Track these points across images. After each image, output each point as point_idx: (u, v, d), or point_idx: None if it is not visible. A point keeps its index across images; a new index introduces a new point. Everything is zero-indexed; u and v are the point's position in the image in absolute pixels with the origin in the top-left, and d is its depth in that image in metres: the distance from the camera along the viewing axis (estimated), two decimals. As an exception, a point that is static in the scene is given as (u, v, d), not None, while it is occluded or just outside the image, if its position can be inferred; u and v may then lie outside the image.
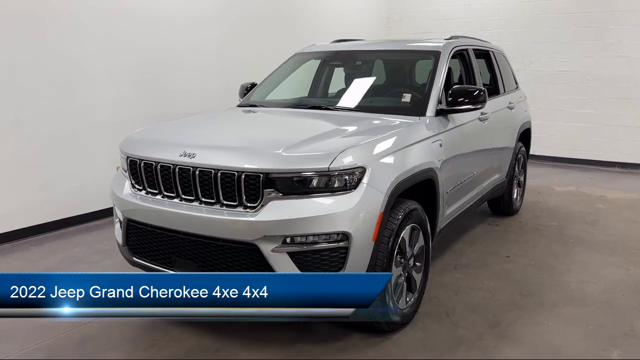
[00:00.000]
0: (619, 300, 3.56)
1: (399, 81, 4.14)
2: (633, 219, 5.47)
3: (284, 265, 2.59)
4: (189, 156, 2.76)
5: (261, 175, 2.58)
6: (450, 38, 4.44)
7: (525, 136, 5.67)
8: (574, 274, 4.00)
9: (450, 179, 3.66)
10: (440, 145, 3.43)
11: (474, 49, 4.65)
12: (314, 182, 2.60)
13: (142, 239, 3.01)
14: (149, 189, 2.95)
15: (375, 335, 3.04)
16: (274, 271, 2.60)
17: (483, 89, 3.71)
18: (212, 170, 2.69)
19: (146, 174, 2.94)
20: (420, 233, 3.22)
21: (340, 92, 4.11)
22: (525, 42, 8.73)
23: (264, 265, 2.61)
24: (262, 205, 2.60)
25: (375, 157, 2.78)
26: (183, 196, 2.80)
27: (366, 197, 2.65)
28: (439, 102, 3.64)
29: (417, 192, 3.31)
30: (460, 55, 4.44)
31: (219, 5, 6.36)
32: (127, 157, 3.05)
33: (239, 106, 4.17)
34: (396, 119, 3.42)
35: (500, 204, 5.39)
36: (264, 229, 2.55)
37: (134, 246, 3.09)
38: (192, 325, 3.12)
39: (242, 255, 2.65)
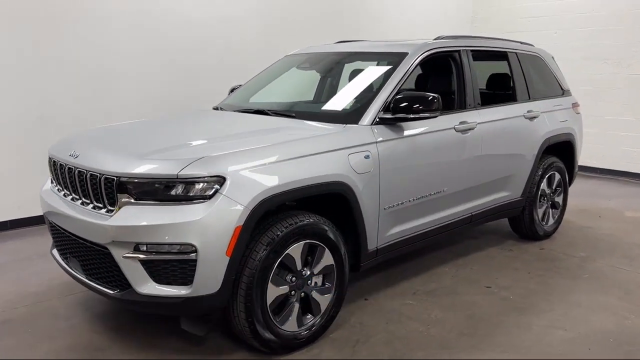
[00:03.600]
0: (576, 355, 2.92)
1: (358, 86, 3.82)
2: (693, 257, 4.45)
3: (135, 272, 2.55)
4: (74, 156, 2.85)
5: (115, 179, 2.58)
6: (437, 38, 4.01)
7: (561, 150, 4.91)
8: (549, 316, 3.37)
9: (391, 195, 3.31)
10: (367, 157, 3.11)
11: (474, 51, 4.14)
12: (164, 189, 2.52)
13: (53, 233, 3.18)
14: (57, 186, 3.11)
15: (262, 354, 2.86)
16: (126, 278, 2.57)
17: (436, 95, 3.29)
18: (84, 172, 2.75)
19: (52, 171, 3.11)
20: (327, 251, 2.96)
21: (300, 97, 3.93)
22: (622, 41, 7.55)
23: (117, 271, 2.60)
24: (118, 210, 2.59)
25: (242, 167, 2.60)
26: (73, 195, 2.90)
27: (220, 208, 2.50)
28: (387, 109, 3.31)
29: (328, 206, 3.06)
30: (449, 57, 3.99)
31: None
32: (49, 154, 3.24)
33: (214, 108, 4.18)
34: (320, 127, 3.18)
35: (520, 226, 4.74)
36: (112, 233, 2.53)
37: (53, 240, 3.27)
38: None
39: (102, 259, 2.67)
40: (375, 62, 3.90)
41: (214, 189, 2.52)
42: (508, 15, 8.85)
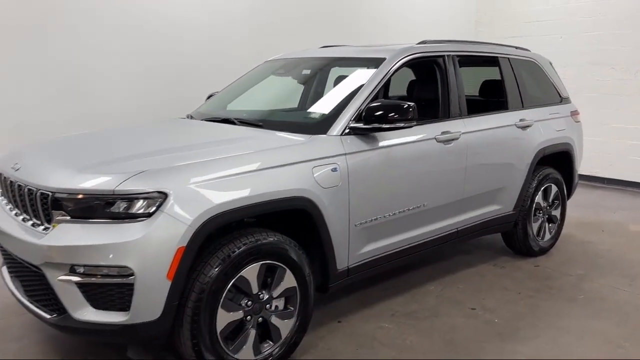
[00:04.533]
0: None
1: (331, 94, 3.59)
2: (700, 276, 4.14)
3: (72, 296, 2.34)
4: (15, 169, 2.67)
5: (49, 195, 2.38)
6: (420, 43, 3.79)
7: (558, 160, 4.63)
8: (534, 343, 3.10)
9: (363, 210, 3.08)
10: (334, 170, 2.88)
11: (461, 56, 3.90)
12: (101, 206, 2.32)
13: (1, 249, 2.99)
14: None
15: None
16: (61, 302, 2.37)
17: (411, 104, 3.06)
18: (23, 186, 2.56)
19: (1, 184, 2.92)
20: (288, 272, 2.73)
21: (276, 105, 3.72)
22: (630, 46, 7.23)
23: (53, 294, 2.40)
24: (53, 228, 2.39)
25: (187, 181, 2.39)
26: (16, 210, 2.71)
27: (160, 227, 2.29)
28: (359, 119, 3.08)
29: (294, 222, 2.84)
30: (433, 63, 3.75)
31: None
32: None
33: (187, 116, 3.98)
34: (284, 138, 2.96)
35: (513, 242, 4.46)
36: (46, 254, 2.34)
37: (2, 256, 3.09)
38: None
39: (38, 281, 2.47)
40: (354, 68, 3.67)
41: (155, 206, 2.31)
42: (512, 19, 8.57)
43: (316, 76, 4.17)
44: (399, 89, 4.82)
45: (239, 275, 2.53)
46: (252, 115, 3.49)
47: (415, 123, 3.11)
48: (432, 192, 3.52)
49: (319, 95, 4.00)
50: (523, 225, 4.33)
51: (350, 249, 3.08)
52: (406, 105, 3.06)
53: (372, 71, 3.35)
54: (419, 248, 3.56)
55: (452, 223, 3.76)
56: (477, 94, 4.71)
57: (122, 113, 5.26)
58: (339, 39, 6.74)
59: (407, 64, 3.56)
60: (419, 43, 3.83)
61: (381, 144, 3.16)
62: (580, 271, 4.23)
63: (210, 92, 4.31)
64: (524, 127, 4.18)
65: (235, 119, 3.33)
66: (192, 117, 3.74)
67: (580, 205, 6.31)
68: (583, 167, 7.90)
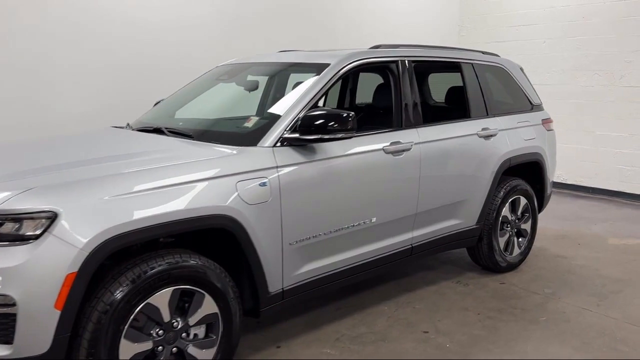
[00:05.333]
0: None
1: (270, 101, 3.38)
2: (674, 296, 3.89)
3: (-46, 326, 2.12)
4: None
5: None
6: (373, 47, 3.57)
7: (528, 171, 4.39)
8: (484, 372, 2.87)
9: (299, 228, 2.85)
10: (263, 185, 2.65)
11: (418, 61, 3.67)
12: (-16, 228, 2.09)
13: None
14: None
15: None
16: (-59, 331, 2.14)
17: (351, 113, 2.84)
18: None
19: None
20: (207, 298, 2.49)
21: (215, 113, 3.49)
22: (614, 50, 7.00)
23: None
24: None
25: (82, 199, 2.17)
26: None
27: (47, 251, 2.06)
28: (295, 129, 2.85)
29: (214, 242, 2.61)
30: (386, 69, 3.53)
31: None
32: None
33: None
34: (208, 150, 2.73)
35: (478, 257, 4.22)
36: None
37: None
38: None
39: None
40: (302, 74, 3.44)
41: (42, 228, 2.08)
42: (496, 24, 8.35)
43: (273, 83, 3.95)
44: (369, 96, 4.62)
45: (145, 302, 2.30)
46: (187, 125, 3.27)
47: (354, 133, 2.89)
48: (381, 207, 3.29)
49: (274, 103, 3.76)
50: (488, 240, 4.10)
51: (285, 270, 2.85)
52: (345, 114, 2.85)
53: (315, 78, 3.12)
54: (368, 266, 3.32)
55: (406, 239, 3.52)
56: (443, 102, 4.50)
57: (76, 119, 4.99)
58: (312, 41, 6.56)
59: (354, 70, 3.35)
60: (371, 47, 3.61)
61: (320, 156, 2.93)
62: (547, 290, 3.98)
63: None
64: (487, 137, 3.95)
65: (166, 128, 3.11)
66: (128, 126, 3.51)
67: (560, 217, 6.07)
68: (567, 176, 7.74)
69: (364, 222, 3.19)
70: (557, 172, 7.63)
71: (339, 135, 2.84)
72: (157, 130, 3.15)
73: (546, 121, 4.62)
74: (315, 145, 2.92)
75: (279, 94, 3.69)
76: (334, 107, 5.01)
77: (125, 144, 2.98)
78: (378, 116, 3.82)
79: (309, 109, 2.95)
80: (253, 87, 3.63)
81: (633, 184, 6.96)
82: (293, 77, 3.74)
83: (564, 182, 7.64)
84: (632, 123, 6.93)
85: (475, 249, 4.17)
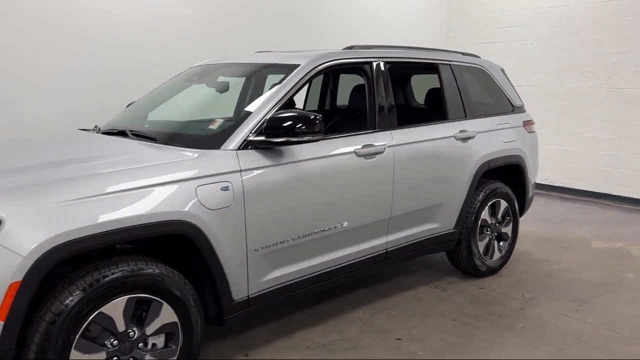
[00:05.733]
0: None
1: (238, 103, 3.30)
2: (654, 301, 3.83)
3: None
4: None
5: None
6: (346, 48, 3.50)
7: (508, 174, 4.33)
8: (455, 381, 2.79)
9: (265, 233, 2.77)
10: (225, 189, 2.57)
11: (393, 62, 3.60)
12: None
13: None
14: None
15: None
16: None
17: (318, 115, 2.77)
18: None
19: None
20: (165, 306, 2.41)
21: (186, 115, 3.41)
22: (601, 52, 6.95)
23: None
24: None
25: (28, 205, 2.08)
26: None
27: (-11, 259, 1.98)
28: (261, 131, 2.77)
29: (176, 248, 2.54)
30: (360, 70, 3.46)
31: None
32: None
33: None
34: (173, 154, 2.65)
35: (457, 261, 4.15)
36: None
37: None
38: None
39: None
40: (273, 75, 3.37)
41: (-14, 234, 2.00)
42: (483, 25, 8.29)
43: (251, 84, 3.87)
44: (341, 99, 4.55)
45: (98, 312, 2.22)
46: (153, 127, 3.18)
47: (321, 136, 2.82)
48: (353, 211, 3.21)
49: (222, 105, 3.69)
50: (467, 244, 4.03)
51: (251, 277, 2.77)
52: (312, 117, 2.77)
53: (282, 80, 3.05)
54: (340, 272, 3.25)
55: (380, 244, 3.45)
56: (423, 104, 4.44)
57: (52, 120, 4.87)
58: (299, 43, 6.47)
59: (326, 72, 3.27)
60: (345, 48, 3.54)
61: (288, 159, 2.85)
62: (527, 295, 3.91)
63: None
64: (465, 139, 3.88)
65: (130, 131, 3.03)
66: (96, 128, 3.42)
67: (545, 219, 6.01)
68: (554, 178, 7.68)
69: (334, 227, 3.12)
70: (544, 174, 7.63)
71: (306, 138, 2.77)
72: (122, 133, 3.07)
73: (527, 123, 4.55)
74: (282, 148, 2.85)
75: (256, 95, 3.61)
76: (315, 109, 4.95)
77: (86, 148, 2.89)
78: (353, 118, 3.75)
79: (277, 111, 2.88)
80: (224, 88, 3.54)
81: (619, 185, 6.90)
82: (271, 78, 3.66)
83: (551, 184, 7.59)
84: (619, 125, 6.88)
85: (454, 253, 4.10)
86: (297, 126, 2.74)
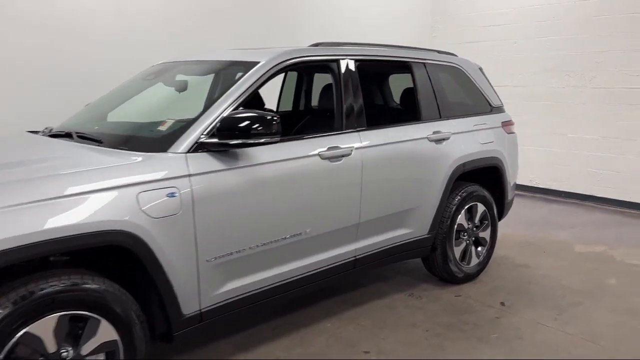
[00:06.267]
0: None
1: (192, 103, 3.10)
2: (634, 308, 3.67)
3: None
4: None
5: None
6: (313, 45, 3.33)
7: (486, 176, 4.17)
8: (421, 399, 2.62)
9: (219, 242, 2.58)
10: (171, 196, 2.38)
11: (362, 61, 3.43)
12: None
13: None
14: None
15: None
16: None
17: (275, 116, 2.59)
18: None
19: None
20: (104, 323, 2.22)
21: (143, 116, 3.22)
22: (585, 51, 6.82)
23: None
24: None
25: None
26: None
27: None
28: (214, 133, 2.59)
29: (114, 261, 2.35)
30: (327, 69, 3.29)
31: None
32: None
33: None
34: (115, 157, 2.46)
35: (433, 268, 3.99)
36: None
37: None
38: None
39: None
40: (233, 73, 3.18)
41: None
42: (467, 24, 8.14)
43: (219, 83, 3.66)
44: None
45: (23, 331, 2.02)
46: (102, 129, 2.99)
47: (278, 137, 2.64)
48: (317, 217, 3.03)
49: (175, 105, 3.47)
50: (442, 250, 3.86)
51: (203, 289, 2.58)
52: (269, 117, 2.59)
53: (239, 78, 2.86)
54: (305, 282, 3.07)
55: (348, 251, 3.27)
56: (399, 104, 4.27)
57: (8, 122, 4.65)
58: (277, 43, 6.29)
59: (288, 69, 3.10)
60: (311, 45, 3.37)
61: (244, 162, 2.67)
62: (504, 302, 3.75)
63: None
64: (439, 140, 3.72)
65: (76, 133, 2.83)
66: (46, 130, 3.22)
67: (528, 222, 5.87)
68: (539, 180, 7.55)
69: (297, 234, 2.94)
70: (529, 175, 7.50)
71: (263, 140, 2.59)
72: (68, 135, 2.87)
73: (506, 124, 4.39)
74: (238, 151, 2.66)
75: (213, 95, 3.42)
76: (289, 109, 4.77)
77: (21, 152, 2.69)
78: (323, 119, 3.58)
79: (232, 111, 2.69)
80: (183, 87, 3.35)
81: (604, 187, 6.77)
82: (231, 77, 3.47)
83: (535, 185, 7.46)
84: (604, 125, 6.75)
85: (429, 260, 3.94)
86: (254, 127, 2.56)
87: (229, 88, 2.79)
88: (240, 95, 2.77)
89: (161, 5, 5.51)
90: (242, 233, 2.68)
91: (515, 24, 7.52)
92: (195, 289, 2.55)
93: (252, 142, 2.58)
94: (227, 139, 2.56)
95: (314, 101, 4.70)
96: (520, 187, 7.42)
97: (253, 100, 3.87)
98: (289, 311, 3.52)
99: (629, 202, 6.55)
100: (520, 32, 7.48)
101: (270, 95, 4.87)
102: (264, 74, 2.91)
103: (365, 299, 3.78)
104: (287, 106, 4.83)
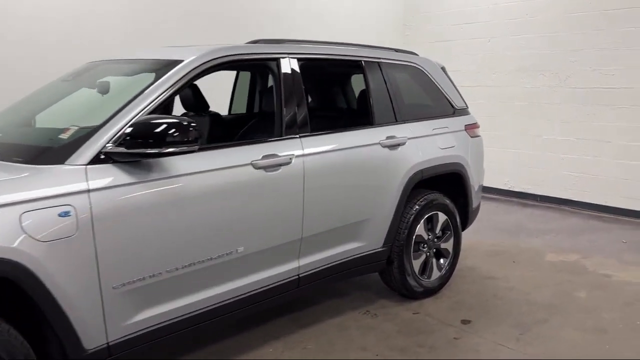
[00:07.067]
0: None
1: (100, 107, 2.77)
2: (603, 326, 3.41)
3: None
4: None
5: None
6: (251, 42, 3.03)
7: (448, 183, 3.90)
8: None
9: (127, 266, 2.27)
10: (64, 215, 2.06)
11: (305, 59, 3.13)
12: None
13: None
14: None
15: None
16: None
17: (193, 123, 2.28)
18: None
19: None
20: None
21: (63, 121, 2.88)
22: (559, 50, 6.59)
23: None
24: None
25: None
26: None
27: None
28: (122, 142, 2.27)
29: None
30: (264, 68, 2.99)
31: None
32: None
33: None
34: (4, 171, 2.14)
35: (390, 282, 3.71)
36: None
37: None
38: None
39: None
40: (155, 73, 2.85)
41: None
42: (439, 23, 7.88)
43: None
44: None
45: None
46: (3, 138, 2.65)
47: (197, 146, 2.33)
48: (250, 234, 2.73)
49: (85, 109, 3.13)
50: (400, 263, 3.58)
51: (109, 320, 2.26)
52: (186, 123, 2.29)
53: (157, 79, 2.55)
54: (239, 305, 2.76)
55: (290, 269, 2.97)
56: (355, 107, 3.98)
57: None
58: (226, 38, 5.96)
59: (219, 69, 2.78)
60: (249, 42, 3.06)
61: (158, 174, 2.36)
62: (466, 319, 3.48)
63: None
64: (393, 146, 3.43)
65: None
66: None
67: (501, 228, 5.62)
68: (514, 183, 7.31)
69: (226, 254, 2.63)
70: (504, 179, 7.26)
71: (178, 149, 2.28)
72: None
73: (470, 127, 4.12)
74: (152, 161, 2.35)
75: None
76: (243, 112, 4.46)
77: None
78: (263, 124, 3.28)
79: (146, 116, 2.38)
80: (105, 89, 3.02)
81: (579, 191, 6.55)
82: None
83: (510, 189, 7.22)
84: (579, 126, 6.52)
85: (386, 274, 3.65)
86: (169, 134, 2.25)
87: (145, 90, 2.47)
88: (156, 98, 2.46)
89: (116, 7, 5.18)
90: (156, 255, 2.36)
91: (489, 21, 7.27)
92: (100, 320, 2.23)
93: (166, 151, 2.27)
94: (137, 148, 2.25)
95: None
96: (495, 191, 7.19)
97: (194, 101, 3.59)
98: (229, 335, 3.21)
99: (604, 206, 6.33)
100: (493, 31, 7.24)
101: (224, 97, 4.59)
102: (186, 73, 2.60)
103: (315, 318, 3.48)
104: (241, 110, 4.52)
